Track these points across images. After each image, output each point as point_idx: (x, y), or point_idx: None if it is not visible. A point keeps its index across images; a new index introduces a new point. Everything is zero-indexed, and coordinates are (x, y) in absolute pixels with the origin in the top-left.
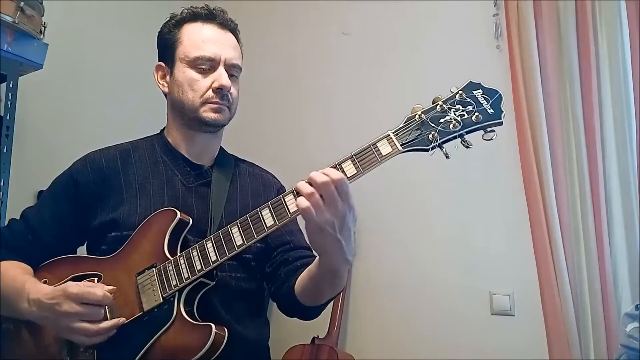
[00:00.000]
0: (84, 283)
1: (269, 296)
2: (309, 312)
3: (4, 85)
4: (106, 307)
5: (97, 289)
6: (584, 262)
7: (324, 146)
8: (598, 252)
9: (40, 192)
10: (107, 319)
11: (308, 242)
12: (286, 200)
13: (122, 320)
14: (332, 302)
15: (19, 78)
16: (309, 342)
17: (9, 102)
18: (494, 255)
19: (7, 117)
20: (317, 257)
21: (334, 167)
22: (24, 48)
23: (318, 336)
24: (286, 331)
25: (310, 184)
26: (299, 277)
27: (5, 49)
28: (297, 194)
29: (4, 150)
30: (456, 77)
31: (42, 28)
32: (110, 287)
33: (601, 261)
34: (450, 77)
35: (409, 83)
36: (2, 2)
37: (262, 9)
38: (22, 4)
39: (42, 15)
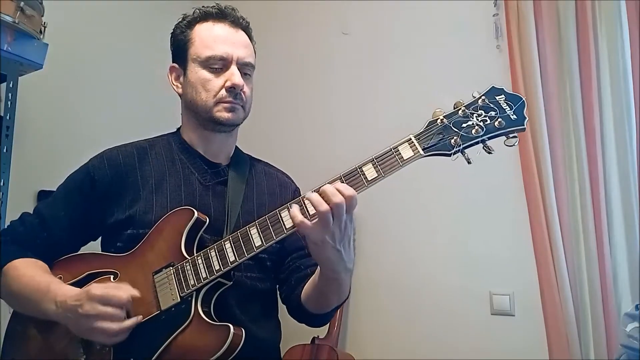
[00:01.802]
0: (109, 285)
1: (281, 301)
2: (315, 320)
3: (4, 85)
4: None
5: (122, 292)
6: (584, 262)
7: (324, 146)
8: (598, 252)
9: (40, 192)
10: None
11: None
12: (305, 202)
13: (140, 317)
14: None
15: (19, 78)
16: (309, 342)
17: (9, 102)
18: (494, 255)
19: (7, 117)
20: (320, 269)
21: (353, 172)
22: (24, 48)
23: (318, 336)
24: (286, 331)
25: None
26: (305, 287)
27: (5, 49)
28: (303, 205)
29: (4, 150)
30: (456, 77)
31: (42, 28)
32: (135, 292)
33: (601, 261)
34: (451, 77)
35: (409, 83)
36: (2, 2)
37: (262, 9)
38: (22, 4)
39: (42, 15)
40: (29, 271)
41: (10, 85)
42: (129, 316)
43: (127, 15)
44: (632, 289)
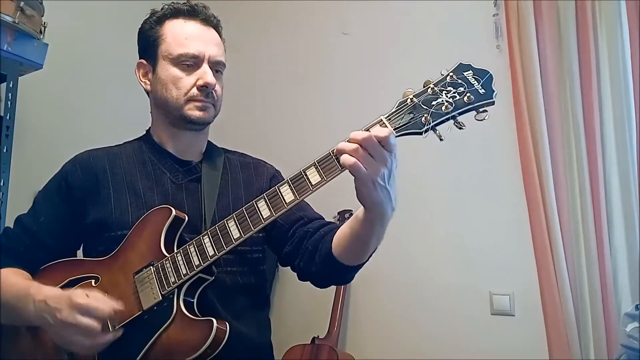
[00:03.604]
0: (93, 294)
1: (297, 275)
2: (348, 274)
3: (4, 85)
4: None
5: (104, 307)
6: (584, 262)
7: (325, 146)
8: (598, 252)
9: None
10: (109, 329)
11: (359, 200)
12: (282, 190)
13: (120, 333)
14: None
15: (19, 78)
16: (309, 342)
17: (9, 102)
18: (494, 255)
19: (7, 117)
20: (363, 211)
21: (328, 157)
22: (24, 48)
23: (318, 336)
24: (286, 331)
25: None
26: (336, 239)
27: (5, 49)
28: (339, 153)
29: (4, 150)
30: (443, 69)
31: (42, 28)
32: (117, 306)
33: (601, 261)
34: None
35: (408, 83)
36: (2, 2)
37: (262, 9)
38: (22, 4)
39: (42, 15)
40: (10, 280)
41: (10, 85)
42: (110, 328)
43: (127, 16)
44: (632, 289)
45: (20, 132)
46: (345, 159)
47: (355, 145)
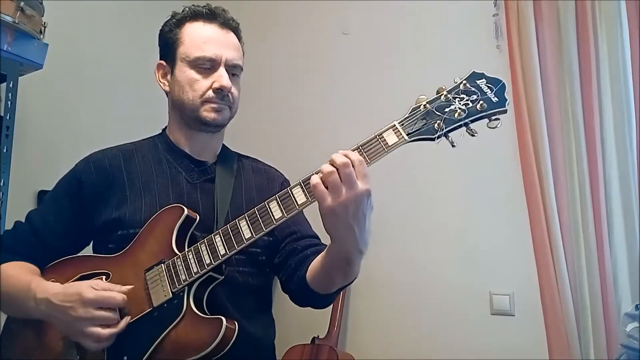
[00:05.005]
0: (99, 285)
1: (280, 287)
2: (321, 301)
3: (4, 85)
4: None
5: (116, 295)
6: (584, 262)
7: (324, 146)
8: (598, 252)
9: (40, 192)
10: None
11: (324, 229)
12: (294, 192)
13: (128, 318)
14: (337, 295)
15: (19, 78)
16: (309, 342)
17: (9, 102)
18: (494, 255)
19: (7, 117)
20: (330, 244)
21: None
22: (24, 48)
23: (318, 336)
24: (286, 331)
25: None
26: (311, 265)
27: (5, 49)
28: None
29: (4, 150)
30: (456, 77)
31: (42, 28)
32: (127, 288)
33: (601, 261)
34: (450, 77)
35: (408, 83)
36: (2, 2)
37: (262, 9)
38: (22, 4)
39: (42, 15)
40: (13, 272)
41: (10, 85)
42: (122, 315)
43: (127, 15)
44: (632, 289)
45: (20, 132)
46: (312, 180)
47: (332, 169)
